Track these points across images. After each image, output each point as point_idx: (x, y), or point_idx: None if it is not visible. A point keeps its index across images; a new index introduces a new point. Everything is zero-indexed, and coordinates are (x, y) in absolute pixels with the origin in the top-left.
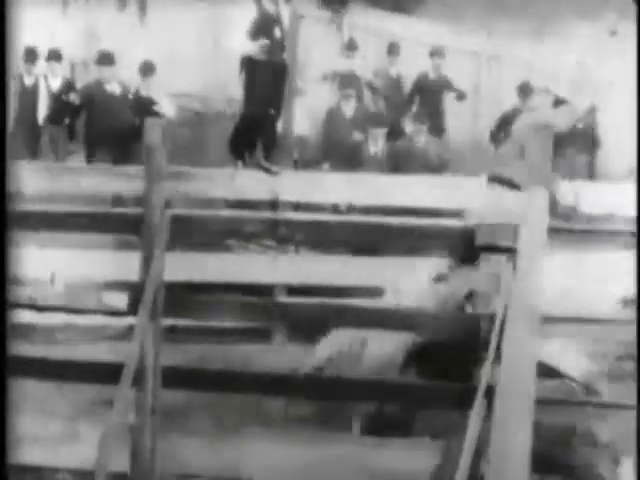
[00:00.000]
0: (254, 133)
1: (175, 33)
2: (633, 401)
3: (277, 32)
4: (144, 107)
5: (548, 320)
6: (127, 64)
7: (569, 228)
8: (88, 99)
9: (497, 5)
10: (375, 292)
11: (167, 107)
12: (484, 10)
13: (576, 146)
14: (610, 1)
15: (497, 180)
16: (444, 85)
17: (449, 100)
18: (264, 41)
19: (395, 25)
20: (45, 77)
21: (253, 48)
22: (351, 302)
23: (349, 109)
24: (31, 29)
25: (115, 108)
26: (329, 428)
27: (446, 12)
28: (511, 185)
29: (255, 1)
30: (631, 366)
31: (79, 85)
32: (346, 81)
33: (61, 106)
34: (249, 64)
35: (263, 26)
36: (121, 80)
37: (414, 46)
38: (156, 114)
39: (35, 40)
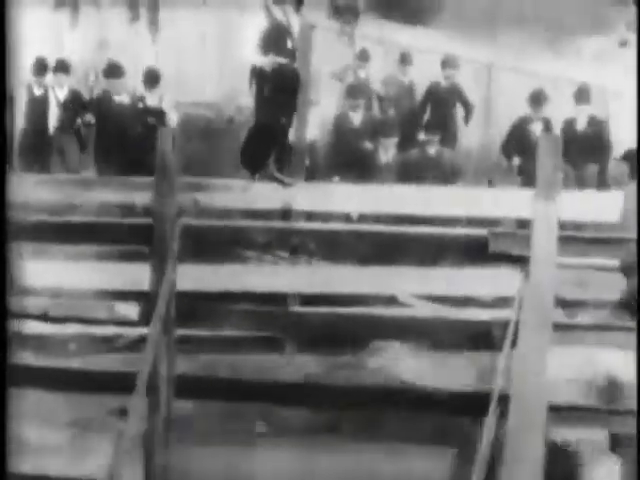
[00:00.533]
0: (266, 144)
1: (185, 42)
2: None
3: (288, 42)
4: (153, 117)
5: (562, 328)
6: (137, 74)
7: (580, 237)
8: (97, 111)
9: (508, 16)
10: (388, 301)
11: (172, 117)
12: (495, 21)
13: (586, 155)
14: (620, 12)
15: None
16: (456, 95)
17: (459, 112)
18: (275, 59)
19: (406, 36)
20: (53, 88)
21: (264, 60)
22: (364, 311)
23: (357, 118)
24: (41, 40)
25: (125, 119)
26: (342, 436)
27: (457, 23)
28: None
29: (265, 11)
30: None
31: (87, 95)
32: (354, 91)
33: (70, 117)
34: (259, 75)
35: (274, 36)
36: (130, 91)
37: (425, 57)
38: (163, 124)
39: (45, 51)
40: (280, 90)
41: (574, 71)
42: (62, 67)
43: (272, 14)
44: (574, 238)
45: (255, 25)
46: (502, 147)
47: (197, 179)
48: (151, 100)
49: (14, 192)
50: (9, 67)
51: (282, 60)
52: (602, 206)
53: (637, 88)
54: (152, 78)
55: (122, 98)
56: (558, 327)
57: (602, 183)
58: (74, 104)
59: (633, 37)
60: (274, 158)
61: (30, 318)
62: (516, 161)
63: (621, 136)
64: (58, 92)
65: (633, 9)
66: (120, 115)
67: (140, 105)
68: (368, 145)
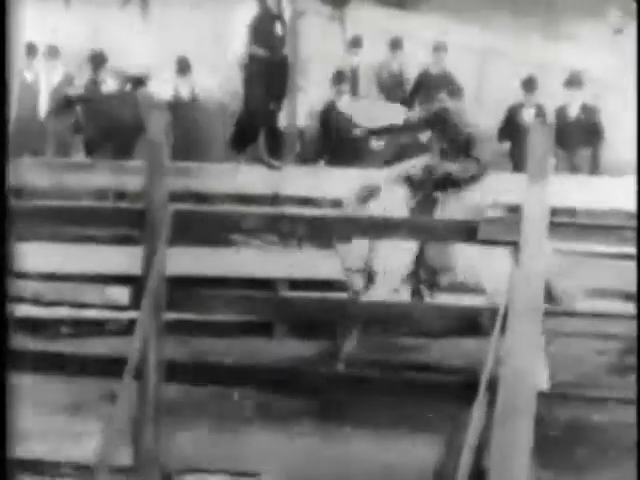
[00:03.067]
0: (255, 128)
1: (177, 29)
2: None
3: (278, 28)
4: (135, 81)
5: (552, 315)
6: (129, 60)
7: (571, 223)
8: (85, 96)
9: (502, 1)
10: None
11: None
12: (487, 6)
13: (578, 139)
14: None
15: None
16: (446, 80)
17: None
18: (264, 46)
19: (397, 21)
20: (45, 73)
21: (253, 47)
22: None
23: (343, 104)
24: (33, 24)
25: (113, 104)
26: (331, 422)
27: (449, 8)
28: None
29: None
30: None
31: (79, 81)
32: (339, 77)
33: (63, 101)
34: (249, 60)
35: (263, 23)
36: (116, 72)
37: (417, 42)
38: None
39: (36, 35)
40: (268, 76)
41: (567, 57)
42: (52, 52)
43: (263, 1)
44: (565, 224)
45: (248, 11)
46: (498, 133)
47: (187, 164)
48: (183, 88)
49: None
50: (9, 54)
51: (271, 47)
52: (594, 192)
53: (637, 86)
54: (183, 67)
55: (109, 84)
56: (548, 314)
57: (594, 169)
58: (68, 88)
59: (628, 24)
60: (265, 143)
61: (22, 301)
62: (507, 145)
63: (614, 123)
64: (51, 76)
65: None
66: (109, 100)
67: (128, 88)
68: (358, 131)
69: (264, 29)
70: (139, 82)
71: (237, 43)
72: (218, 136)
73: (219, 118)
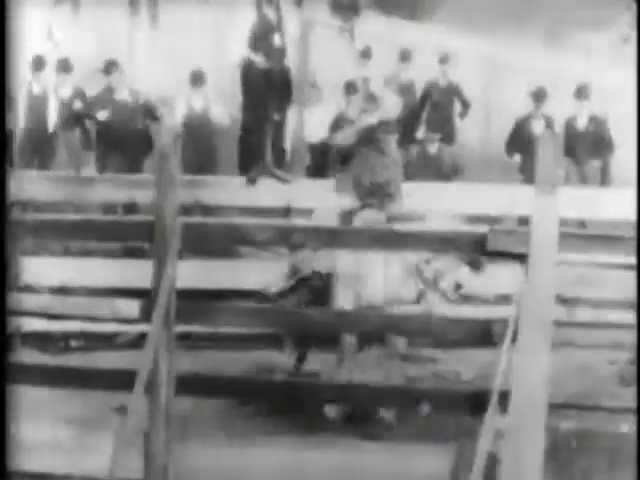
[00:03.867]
0: (258, 141)
1: (186, 39)
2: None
3: (276, 39)
4: (149, 113)
5: (561, 325)
6: (138, 70)
7: (581, 234)
8: (98, 108)
9: (509, 12)
10: None
11: (220, 115)
12: (496, 17)
13: (587, 150)
14: (622, 8)
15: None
16: (453, 92)
17: (456, 108)
18: (261, 57)
19: (406, 32)
20: (55, 86)
21: (252, 56)
22: (362, 309)
23: (354, 114)
24: (40, 36)
25: (125, 116)
26: (342, 434)
27: (458, 19)
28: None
29: (256, 8)
30: None
31: (89, 93)
32: (350, 88)
33: (72, 114)
34: (246, 72)
35: (261, 33)
36: (131, 87)
37: (426, 53)
38: (157, 119)
39: (44, 48)
40: (267, 87)
41: (575, 67)
42: (64, 66)
43: (262, 10)
44: (575, 235)
45: (249, 22)
46: (505, 146)
47: (198, 177)
48: (195, 100)
49: (15, 190)
50: (9, 66)
51: (268, 58)
52: (604, 203)
53: (637, 87)
54: (197, 78)
55: (123, 95)
56: (558, 324)
57: (604, 180)
58: (78, 101)
59: (634, 33)
60: (272, 154)
61: (31, 315)
62: (517, 158)
63: (622, 133)
64: (61, 90)
65: (634, 5)
66: (121, 111)
67: (141, 101)
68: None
69: (261, 40)
70: (152, 115)
71: (238, 53)
72: (230, 148)
73: (231, 131)
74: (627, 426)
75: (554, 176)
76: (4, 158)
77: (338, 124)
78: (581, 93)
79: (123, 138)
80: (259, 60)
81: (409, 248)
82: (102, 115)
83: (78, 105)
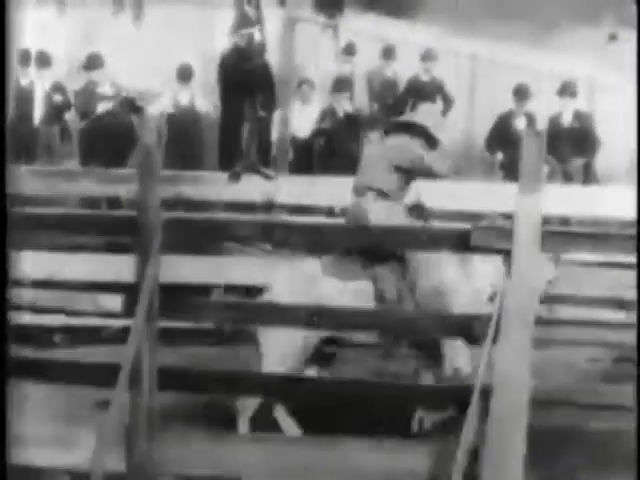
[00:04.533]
0: (236, 137)
1: (170, 36)
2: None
3: (256, 35)
4: (132, 107)
5: (544, 322)
6: (122, 67)
7: (565, 231)
8: (80, 103)
9: (495, 9)
10: None
11: (206, 109)
12: (481, 13)
13: (572, 148)
14: (610, 6)
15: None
16: (436, 89)
17: (439, 105)
18: (244, 32)
19: (391, 28)
20: (39, 79)
21: (229, 55)
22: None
23: (341, 112)
24: (28, 31)
25: (108, 111)
26: (324, 430)
27: (442, 16)
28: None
29: (236, 5)
30: (627, 368)
31: (71, 88)
32: (338, 85)
33: (51, 108)
34: (224, 68)
35: (239, 29)
36: (113, 82)
37: (410, 49)
38: (140, 113)
39: (30, 42)
40: (246, 84)
41: (560, 65)
42: (43, 60)
43: (242, 7)
44: (557, 233)
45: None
46: (486, 142)
47: (180, 172)
48: (183, 96)
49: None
50: (8, 61)
51: (247, 54)
52: (588, 201)
53: (637, 88)
54: (185, 74)
55: (105, 90)
56: (540, 322)
57: (588, 178)
58: (57, 96)
59: (622, 31)
60: (256, 152)
61: (17, 309)
62: (499, 156)
63: (609, 131)
64: (43, 83)
65: (623, 2)
66: (103, 106)
67: (124, 95)
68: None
69: (240, 36)
70: (134, 107)
71: (220, 50)
72: (214, 144)
73: (214, 126)
74: (609, 424)
75: (538, 173)
76: (3, 154)
77: (324, 120)
78: (566, 90)
79: (106, 132)
80: (234, 59)
81: (394, 245)
82: (57, 98)
83: (58, 99)
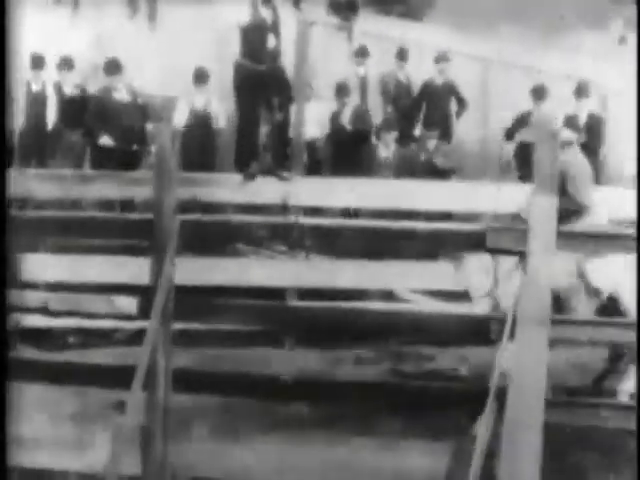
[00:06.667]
0: (252, 140)
1: (184, 39)
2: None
3: (270, 39)
4: (148, 112)
5: (559, 322)
6: (137, 71)
7: (579, 232)
8: (97, 107)
9: (506, 11)
10: (386, 296)
11: (218, 115)
12: (493, 16)
13: (585, 149)
14: (619, 9)
15: None
16: (450, 91)
17: (453, 107)
18: (248, 61)
19: (404, 31)
20: (56, 84)
21: (243, 59)
22: (362, 306)
23: (348, 115)
24: (40, 35)
25: (124, 115)
26: (341, 431)
27: (455, 18)
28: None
29: (251, 6)
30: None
31: (89, 92)
32: (342, 89)
33: (76, 112)
34: (239, 73)
35: (254, 33)
36: (130, 87)
37: (423, 51)
38: (157, 119)
39: (43, 46)
40: (261, 88)
41: (572, 67)
42: (67, 64)
43: (257, 9)
44: (572, 233)
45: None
46: (505, 131)
47: (196, 174)
48: (198, 99)
49: (14, 187)
50: (9, 64)
51: (260, 58)
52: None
53: (637, 88)
54: (201, 77)
55: (122, 94)
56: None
57: (599, 179)
58: (80, 99)
59: (632, 34)
60: (272, 152)
61: (30, 312)
62: (510, 150)
63: (620, 133)
64: (64, 88)
65: (632, 6)
66: (120, 111)
67: (140, 101)
68: (366, 140)
69: (255, 40)
70: (151, 115)
71: (236, 52)
72: (230, 147)
73: (230, 129)
74: (624, 423)
75: (553, 175)
76: (4, 157)
77: (334, 124)
78: (581, 91)
79: (121, 136)
80: (249, 61)
81: (408, 245)
82: (104, 140)
83: (77, 102)
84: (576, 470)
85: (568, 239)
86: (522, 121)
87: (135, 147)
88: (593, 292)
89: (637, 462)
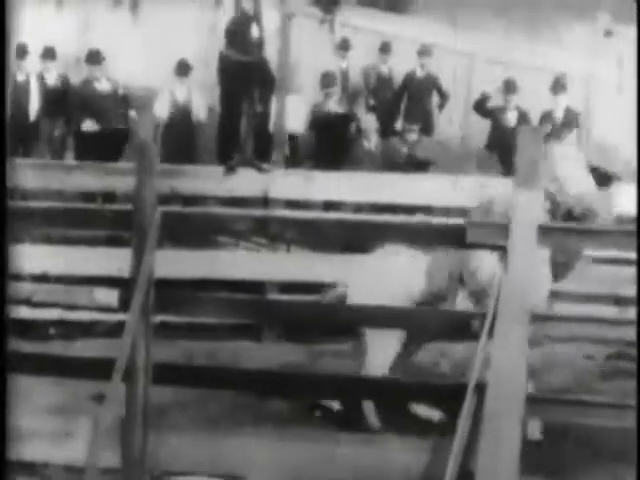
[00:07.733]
0: (234, 131)
1: (168, 30)
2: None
3: (254, 31)
4: (130, 103)
5: (539, 319)
6: (119, 62)
7: (561, 227)
8: (78, 97)
9: (490, 4)
10: None
11: (199, 108)
12: (477, 9)
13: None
14: (605, 1)
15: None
16: (431, 84)
17: (435, 100)
18: (233, 52)
19: (387, 24)
20: (39, 74)
21: (228, 50)
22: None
23: (332, 106)
24: (24, 25)
25: (105, 106)
26: (319, 426)
27: (439, 11)
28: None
29: (235, 1)
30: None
31: (71, 82)
32: (326, 79)
33: (56, 101)
34: (222, 64)
35: (239, 27)
36: (111, 77)
37: (406, 45)
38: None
39: (27, 36)
40: (245, 79)
41: (556, 61)
42: (49, 54)
43: (240, 5)
44: (554, 228)
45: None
46: (486, 147)
47: (176, 166)
48: (180, 91)
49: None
50: (8, 56)
51: (245, 50)
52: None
53: (637, 88)
54: (183, 69)
55: (103, 85)
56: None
57: None
58: (63, 89)
59: (618, 27)
60: (253, 144)
61: (12, 303)
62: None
63: (604, 127)
64: (46, 77)
65: (619, 1)
66: (101, 101)
67: (121, 92)
68: (348, 132)
69: (239, 31)
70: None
71: (220, 45)
72: (212, 139)
73: (212, 121)
74: (607, 421)
75: (534, 169)
76: (3, 148)
77: (314, 115)
78: (557, 86)
79: (102, 127)
80: (234, 52)
81: (390, 240)
82: (87, 125)
83: (60, 92)
84: (556, 468)
85: (549, 234)
86: (494, 120)
87: (121, 126)
88: (473, 295)
89: (637, 462)
